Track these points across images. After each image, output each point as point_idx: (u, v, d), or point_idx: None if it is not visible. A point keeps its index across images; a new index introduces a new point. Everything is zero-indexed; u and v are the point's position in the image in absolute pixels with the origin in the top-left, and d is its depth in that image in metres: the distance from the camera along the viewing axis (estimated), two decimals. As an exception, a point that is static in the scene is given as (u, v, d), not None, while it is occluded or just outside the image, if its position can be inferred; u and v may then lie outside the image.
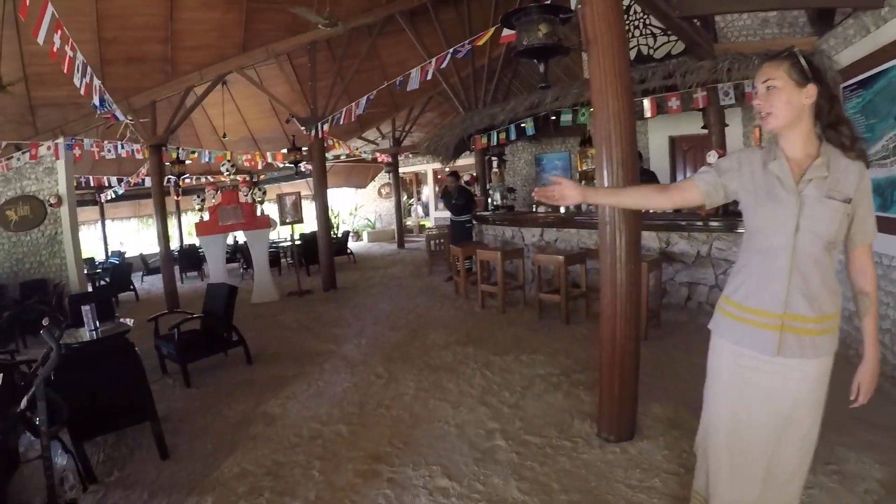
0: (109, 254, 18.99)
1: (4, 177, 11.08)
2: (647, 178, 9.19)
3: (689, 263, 7.43)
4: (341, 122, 10.39)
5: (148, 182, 14.38)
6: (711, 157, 6.98)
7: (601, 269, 4.20)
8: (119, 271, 13.81)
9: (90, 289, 12.68)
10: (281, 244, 16.54)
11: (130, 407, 4.62)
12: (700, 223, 7.23)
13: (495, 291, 8.43)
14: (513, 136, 9.55)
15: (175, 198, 18.16)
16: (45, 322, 5.47)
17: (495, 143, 10.19)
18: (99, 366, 4.64)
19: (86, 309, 6.40)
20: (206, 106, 15.08)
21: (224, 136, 15.44)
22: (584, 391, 5.12)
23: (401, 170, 20.25)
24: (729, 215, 6.97)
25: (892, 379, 4.62)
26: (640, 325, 6.63)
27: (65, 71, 7.03)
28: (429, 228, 16.58)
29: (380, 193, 23.86)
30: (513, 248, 8.90)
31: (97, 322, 6.43)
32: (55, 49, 6.62)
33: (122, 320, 7.00)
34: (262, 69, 12.96)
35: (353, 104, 9.87)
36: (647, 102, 7.64)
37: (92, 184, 16.74)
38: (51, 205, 10.92)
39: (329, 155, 17.64)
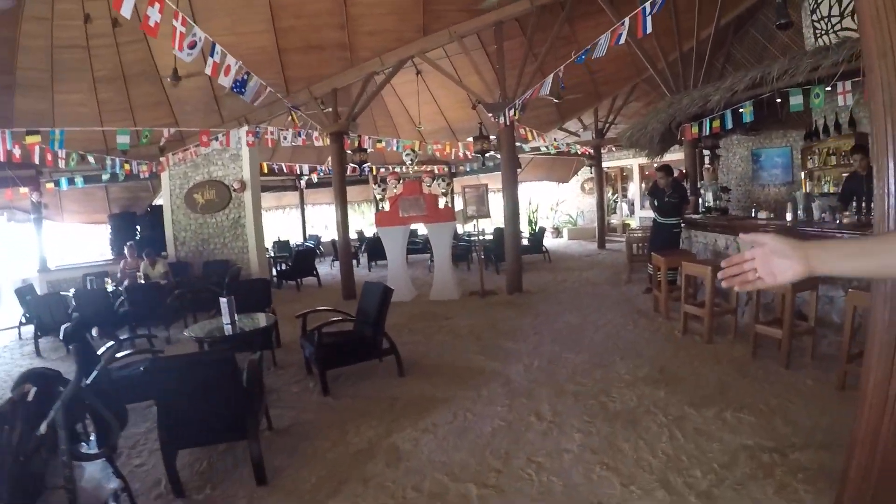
0: (307, 238, 19.37)
1: (194, 162, 11.73)
2: None
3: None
4: (527, 100, 9.15)
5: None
6: None
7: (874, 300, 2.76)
8: (302, 257, 13.82)
9: (274, 273, 12.83)
10: (473, 238, 15.74)
11: (228, 423, 4.22)
12: None
13: (702, 314, 6.94)
14: (729, 125, 7.90)
15: (373, 186, 17.99)
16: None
17: (708, 133, 8.56)
18: (196, 376, 4.18)
19: (223, 301, 6.24)
20: (402, 96, 14.75)
21: (419, 125, 14.92)
22: (804, 483, 3.60)
23: (604, 164, 18.77)
24: None
25: None
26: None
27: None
28: (631, 229, 14.97)
29: (583, 189, 22.37)
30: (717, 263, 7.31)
31: (235, 315, 6.27)
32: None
33: (269, 313, 6.91)
34: (456, 58, 12.27)
35: (539, 84, 8.63)
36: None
37: (286, 170, 16.92)
38: (234, 190, 11.18)
39: (525, 146, 16.63)
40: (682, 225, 9.57)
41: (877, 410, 2.66)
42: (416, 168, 15.27)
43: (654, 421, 4.70)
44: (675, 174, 10.15)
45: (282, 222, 21.23)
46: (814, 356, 6.03)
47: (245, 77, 6.99)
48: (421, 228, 15.16)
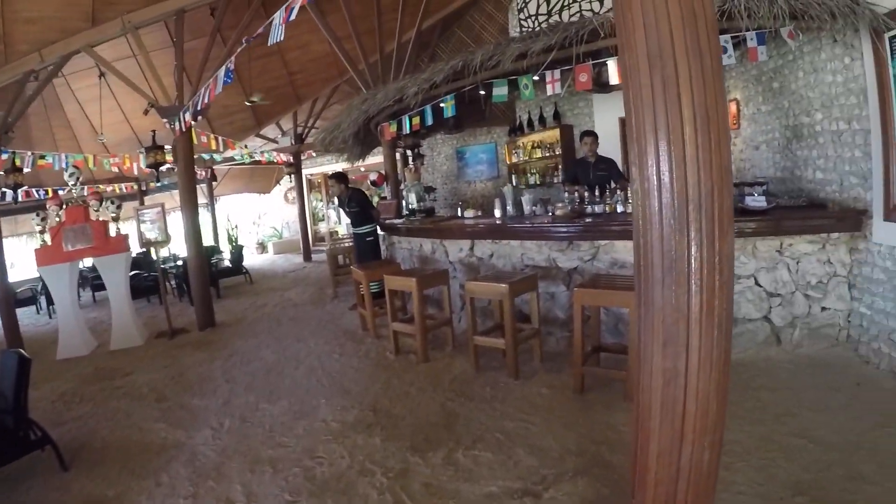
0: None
1: None
2: (607, 166, 7.40)
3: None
4: (206, 102, 7.67)
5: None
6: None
7: (641, 314, 2.10)
8: None
9: None
10: (166, 266, 13.81)
11: None
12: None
13: (413, 332, 6.17)
14: (429, 121, 7.23)
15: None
16: None
17: (408, 131, 7.84)
18: None
19: None
20: (84, 102, 12.33)
21: (101, 135, 12.66)
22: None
23: (308, 171, 17.88)
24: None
25: None
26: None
27: None
28: (337, 238, 14.08)
29: (286, 198, 21.21)
30: (433, 271, 6.62)
31: None
32: None
33: None
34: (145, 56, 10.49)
35: (212, 80, 7.20)
36: (611, 64, 5.52)
37: None
38: None
39: (218, 156, 15.06)
40: (378, 232, 8.88)
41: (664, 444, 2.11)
42: (80, 190, 12.93)
43: (373, 484, 3.77)
44: (374, 178, 9.42)
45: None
46: (543, 359, 5.67)
47: None
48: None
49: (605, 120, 9.91)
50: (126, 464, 4.68)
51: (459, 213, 8.27)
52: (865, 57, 4.64)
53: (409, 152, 10.92)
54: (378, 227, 8.82)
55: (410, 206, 9.15)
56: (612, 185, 6.60)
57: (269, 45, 5.70)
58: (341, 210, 8.88)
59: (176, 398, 6.08)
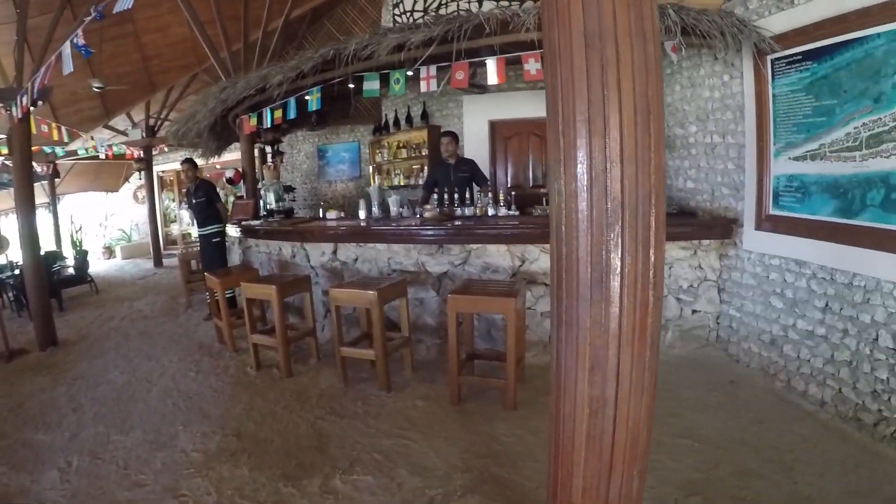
0: None
1: None
2: (468, 167, 7.17)
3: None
4: (44, 82, 6.72)
5: None
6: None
7: (562, 336, 1.82)
8: None
9: None
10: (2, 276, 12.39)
11: None
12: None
13: (274, 345, 5.67)
14: (293, 115, 6.74)
15: None
16: None
17: (269, 126, 7.32)
18: None
19: None
20: None
21: None
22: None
23: (159, 167, 16.57)
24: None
25: (855, 421, 3.89)
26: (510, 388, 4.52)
27: None
28: (189, 242, 13.11)
29: (136, 198, 19.51)
30: (294, 277, 6.07)
31: None
32: None
33: None
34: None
35: (55, 56, 6.31)
36: (490, 64, 5.33)
37: None
38: None
39: (60, 150, 13.67)
40: (225, 233, 8.26)
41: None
42: None
43: (240, 523, 3.30)
44: (230, 175, 8.79)
45: None
46: (415, 368, 5.40)
47: None
48: None
49: (474, 122, 9.75)
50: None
51: (321, 215, 7.82)
52: (745, 76, 4.83)
53: (268, 149, 10.27)
54: (225, 228, 8.21)
55: (269, 207, 8.57)
56: (475, 187, 6.47)
57: (114, 12, 5.11)
58: (187, 206, 8.17)
59: (15, 434, 5.24)
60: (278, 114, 6.88)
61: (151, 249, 15.49)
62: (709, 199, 5.44)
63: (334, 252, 6.49)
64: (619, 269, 1.51)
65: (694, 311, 5.35)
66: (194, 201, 8.07)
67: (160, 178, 17.73)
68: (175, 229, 18.60)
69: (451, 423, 4.30)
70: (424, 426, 4.25)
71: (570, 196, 1.55)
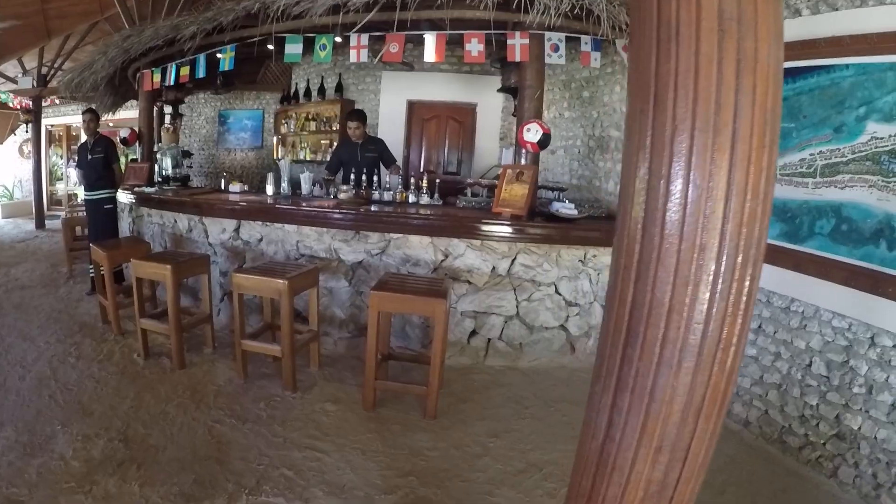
0: None
1: None
2: (376, 147, 6.80)
3: (478, 285, 5.09)
4: None
5: None
6: (532, 131, 4.73)
7: (614, 401, 1.46)
8: None
9: None
10: None
11: None
12: (500, 227, 4.94)
13: (167, 332, 5.02)
14: (201, 73, 6.11)
15: None
16: None
17: (173, 83, 6.64)
18: None
19: None
20: None
21: None
22: None
23: (49, 121, 15.15)
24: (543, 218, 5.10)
25: (779, 443, 3.91)
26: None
27: None
28: (74, 205, 11.82)
29: (21, 152, 17.57)
30: (191, 257, 5.39)
31: None
32: None
33: None
34: None
35: None
36: (429, 39, 4.95)
37: None
38: None
39: None
40: (116, 198, 7.33)
41: None
42: None
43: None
44: (125, 134, 7.91)
45: None
46: (321, 365, 4.96)
47: None
48: None
49: (393, 99, 9.25)
50: None
51: (223, 186, 7.07)
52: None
53: (167, 109, 9.44)
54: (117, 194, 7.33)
55: (164, 173, 7.79)
56: (382, 167, 6.18)
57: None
58: (76, 164, 7.23)
59: None
60: (185, 71, 6.26)
61: (34, 209, 14.07)
62: (642, 207, 5.32)
63: (236, 230, 5.89)
64: (719, 328, 1.13)
65: (622, 320, 5.21)
66: (90, 157, 7.10)
67: (48, 133, 16.25)
68: (61, 188, 17.02)
69: (366, 432, 3.91)
70: (337, 435, 3.84)
71: (674, 227, 1.11)
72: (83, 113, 7.22)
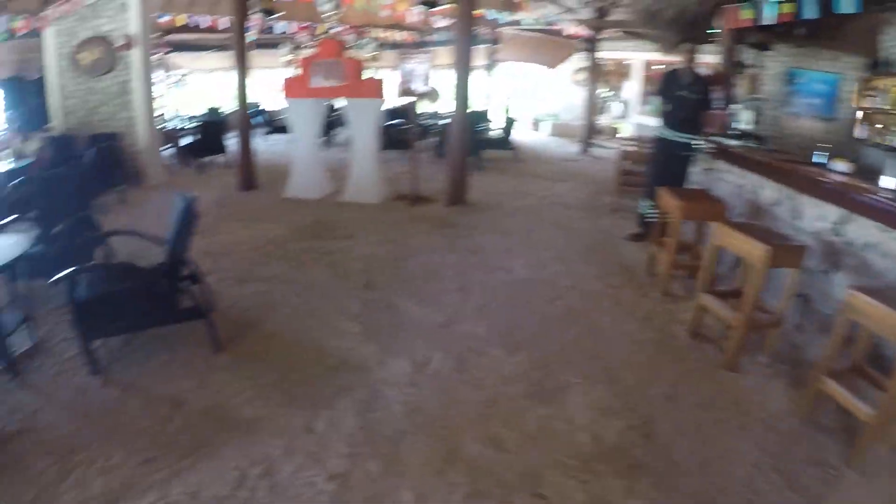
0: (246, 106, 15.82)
1: (80, 15, 9.30)
2: None
3: None
4: None
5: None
6: None
7: None
8: (210, 130, 11.19)
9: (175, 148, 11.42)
10: (428, 122, 12.56)
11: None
12: None
13: (733, 322, 3.88)
14: (810, 13, 4.81)
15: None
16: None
17: (769, 23, 5.49)
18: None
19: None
20: None
21: None
22: None
23: (601, 53, 15.19)
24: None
25: None
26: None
27: None
28: (625, 139, 11.46)
29: (573, 79, 18.30)
30: (788, 244, 4.04)
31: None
32: None
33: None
34: None
35: None
36: None
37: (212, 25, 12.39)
38: (118, 47, 9.03)
39: (502, 17, 12.74)
40: (701, 147, 6.15)
41: None
42: (334, 29, 11.50)
43: None
44: (712, 73, 6.83)
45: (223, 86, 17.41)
46: None
47: None
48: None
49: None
50: (287, 375, 3.51)
51: (816, 159, 5.33)
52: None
53: (748, 57, 8.24)
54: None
55: (740, 128, 6.63)
56: None
57: None
58: (664, 99, 6.33)
59: (386, 293, 4.77)
60: (788, 8, 5.04)
61: (581, 134, 14.55)
62: None
63: (839, 223, 4.30)
64: None
65: None
66: (686, 94, 6.03)
67: (599, 65, 16.60)
68: (604, 120, 17.43)
69: None
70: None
71: None
72: (685, 51, 6.26)
